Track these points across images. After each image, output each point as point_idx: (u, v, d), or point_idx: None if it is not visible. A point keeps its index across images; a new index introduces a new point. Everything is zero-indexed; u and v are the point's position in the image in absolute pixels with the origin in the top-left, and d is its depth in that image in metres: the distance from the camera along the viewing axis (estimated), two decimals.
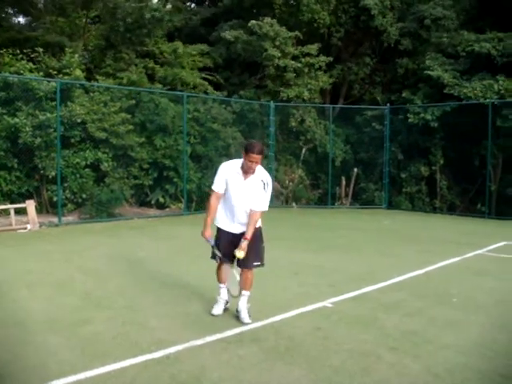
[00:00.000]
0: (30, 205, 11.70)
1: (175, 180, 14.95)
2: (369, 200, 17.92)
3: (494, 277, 7.66)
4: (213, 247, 5.36)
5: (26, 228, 11.42)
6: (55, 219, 12.44)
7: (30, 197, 12.45)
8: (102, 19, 19.10)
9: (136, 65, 17.39)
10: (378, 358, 4.43)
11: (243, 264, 5.26)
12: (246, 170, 5.17)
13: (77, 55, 14.44)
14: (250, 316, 5.30)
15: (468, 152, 15.90)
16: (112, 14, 17.34)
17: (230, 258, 5.26)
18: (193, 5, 25.91)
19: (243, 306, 5.35)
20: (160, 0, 18.24)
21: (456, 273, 7.93)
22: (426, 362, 4.35)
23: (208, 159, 15.65)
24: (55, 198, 12.58)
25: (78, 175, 12.93)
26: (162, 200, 14.95)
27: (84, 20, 19.25)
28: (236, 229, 5.34)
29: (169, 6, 20.41)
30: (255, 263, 5.32)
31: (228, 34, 18.26)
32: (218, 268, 5.51)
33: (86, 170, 13.08)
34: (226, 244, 5.34)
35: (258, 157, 5.06)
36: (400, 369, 4.21)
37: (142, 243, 10.24)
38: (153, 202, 15.03)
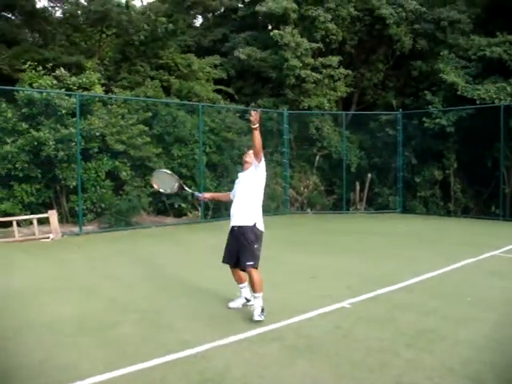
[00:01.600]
0: (53, 215, 12.01)
1: (192, 188, 15.19)
2: (383, 205, 18.06)
3: (507, 277, 7.78)
4: (189, 190, 6.59)
5: (48, 237, 11.73)
6: (76, 228, 12.78)
7: (50, 207, 12.75)
8: (116, 33, 19.48)
9: (151, 77, 17.73)
10: (396, 354, 4.62)
11: (239, 264, 5.67)
12: (243, 163, 5.96)
13: (96, 74, 14.77)
14: (261, 314, 5.51)
15: (481, 155, 15.99)
16: (126, 28, 17.70)
17: (234, 258, 5.72)
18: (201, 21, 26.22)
19: (256, 304, 5.59)
20: (171, 18, 18.54)
21: (470, 273, 8.07)
22: (441, 357, 4.53)
23: (223, 168, 15.93)
24: (76, 208, 12.91)
25: (97, 186, 13.28)
26: (183, 205, 15.16)
27: (99, 35, 19.65)
28: (233, 222, 5.77)
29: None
30: (248, 263, 5.56)
31: (241, 53, 18.56)
32: (232, 272, 5.92)
33: (106, 181, 13.42)
34: (231, 243, 5.81)
35: (249, 152, 5.89)
36: (416, 364, 4.40)
37: (162, 250, 10.51)
38: (171, 209, 15.26)
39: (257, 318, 5.48)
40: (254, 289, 5.60)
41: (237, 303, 6.03)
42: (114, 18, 17.75)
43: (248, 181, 5.79)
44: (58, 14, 20.74)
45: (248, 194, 5.75)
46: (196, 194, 6.50)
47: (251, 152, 5.79)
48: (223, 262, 5.88)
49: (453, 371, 4.24)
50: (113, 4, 17.72)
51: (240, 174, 5.99)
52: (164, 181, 6.40)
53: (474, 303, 6.27)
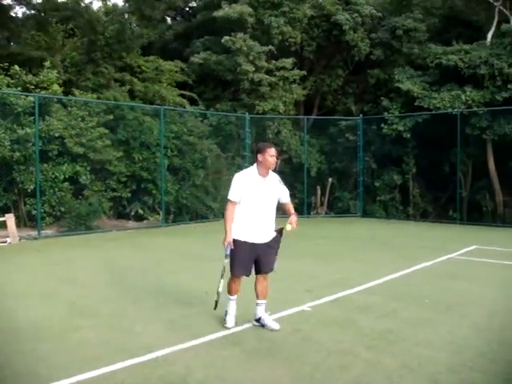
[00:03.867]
0: (10, 218, 11.76)
1: (153, 192, 15.12)
2: (344, 209, 18.27)
3: (464, 279, 7.99)
4: (226, 256, 5.27)
5: (5, 241, 11.48)
6: (34, 232, 12.52)
7: (8, 211, 12.47)
8: (80, 33, 19.21)
9: (115, 80, 17.56)
10: (356, 355, 4.67)
11: (264, 269, 5.38)
12: (269, 166, 5.32)
13: (55, 71, 14.52)
14: (273, 322, 5.44)
15: (439, 160, 16.40)
16: (91, 28, 17.50)
17: (249, 269, 5.36)
18: (168, 19, 26.11)
19: (264, 313, 5.47)
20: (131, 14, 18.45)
21: (428, 276, 8.23)
22: (401, 358, 4.60)
23: (185, 171, 15.87)
24: (34, 212, 12.65)
25: (56, 189, 13.02)
26: (141, 211, 15.06)
27: (62, 34, 19.36)
28: (260, 238, 5.30)
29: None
30: (271, 267, 5.40)
31: (197, 58, 18.64)
32: (233, 281, 5.42)
33: (65, 183, 13.18)
34: (247, 256, 5.28)
35: (275, 150, 5.32)
36: (376, 364, 4.46)
37: (123, 255, 10.39)
38: (132, 213, 15.14)
39: (277, 326, 5.38)
40: (263, 295, 5.46)
41: (232, 320, 5.50)
42: (78, 19, 17.54)
43: (274, 192, 5.44)
44: (23, 10, 20.37)
45: (274, 206, 5.48)
46: (227, 253, 5.29)
47: (276, 156, 5.32)
48: (238, 274, 5.36)
49: (412, 371, 4.31)
50: (78, 6, 17.53)
51: (257, 178, 5.33)
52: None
53: (432, 305, 6.40)
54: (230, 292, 5.48)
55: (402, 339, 5.12)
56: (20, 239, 11.88)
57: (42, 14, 18.05)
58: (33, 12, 18.44)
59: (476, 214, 16.08)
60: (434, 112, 16.00)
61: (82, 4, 18.06)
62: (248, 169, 5.52)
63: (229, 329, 5.39)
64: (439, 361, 4.55)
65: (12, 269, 8.89)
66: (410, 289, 7.32)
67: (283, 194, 5.53)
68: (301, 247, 11.32)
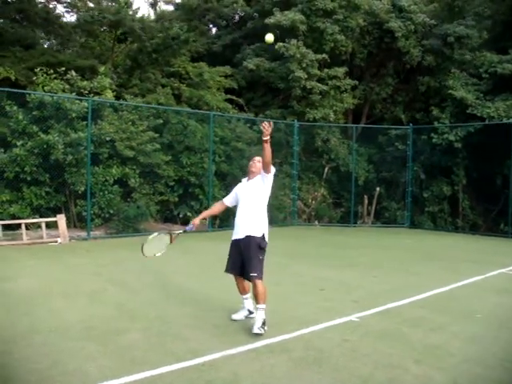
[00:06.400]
0: (61, 219, 12.04)
1: (200, 197, 15.23)
2: (391, 219, 18.01)
3: None
4: (180, 233, 5.98)
5: (56, 241, 11.75)
6: (83, 233, 12.78)
7: (58, 211, 12.77)
8: (129, 39, 19.61)
9: (162, 85, 17.81)
10: (405, 369, 4.57)
11: (246, 274, 5.62)
12: (251, 170, 5.87)
13: (108, 79, 14.85)
14: (261, 327, 5.39)
15: (490, 172, 15.96)
16: (139, 35, 17.83)
17: (236, 268, 5.72)
18: (214, 29, 26.37)
19: (258, 316, 5.47)
20: (182, 26, 18.66)
21: (479, 291, 8.02)
22: (451, 374, 4.49)
23: (232, 177, 15.92)
24: (84, 213, 12.93)
25: (106, 191, 13.27)
26: (188, 214, 15.16)
27: (112, 40, 19.79)
28: (240, 233, 5.68)
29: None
30: (253, 274, 5.47)
31: (249, 63, 18.71)
32: (236, 282, 5.86)
33: (114, 186, 13.43)
34: (234, 254, 5.75)
35: (256, 158, 5.90)
36: (426, 380, 4.36)
37: (169, 258, 10.39)
38: (180, 215, 15.27)
39: (256, 330, 5.37)
40: (257, 300, 5.49)
41: (240, 315, 5.96)
42: (127, 25, 17.90)
43: (255, 190, 5.75)
44: (73, 19, 20.99)
45: (256, 203, 5.71)
46: (187, 228, 6.05)
47: (257, 161, 5.79)
48: (226, 271, 5.83)
49: None
50: (126, 12, 17.88)
51: (243, 183, 5.96)
52: (153, 246, 6.03)
53: (484, 320, 6.22)
54: (240, 292, 5.94)
55: (451, 354, 4.99)
56: (70, 239, 12.14)
57: (93, 22, 18.47)
58: (82, 20, 18.89)
59: None
60: (487, 122, 15.64)
61: (130, 11, 18.42)
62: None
63: (232, 319, 5.88)
64: (491, 378, 4.42)
65: (62, 268, 9.07)
66: (459, 303, 7.14)
67: (264, 176, 5.74)
68: (347, 257, 11.22)
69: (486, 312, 6.61)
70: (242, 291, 5.88)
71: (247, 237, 5.59)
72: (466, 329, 5.87)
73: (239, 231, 5.71)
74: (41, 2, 20.08)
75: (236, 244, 5.74)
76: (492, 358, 4.92)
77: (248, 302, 5.90)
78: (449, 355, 4.98)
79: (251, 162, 5.91)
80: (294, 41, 17.67)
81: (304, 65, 17.67)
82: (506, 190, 15.61)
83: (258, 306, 5.48)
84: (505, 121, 15.33)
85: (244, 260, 5.58)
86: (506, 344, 5.37)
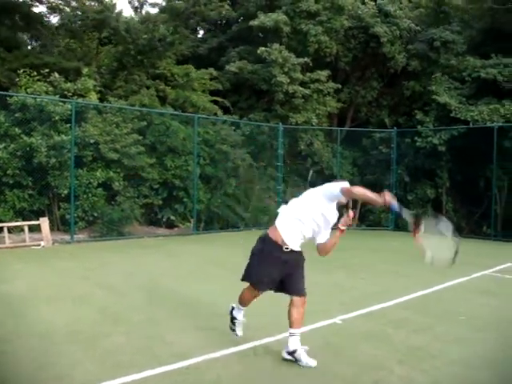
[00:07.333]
0: (44, 222, 11.94)
1: (185, 200, 15.19)
2: (375, 222, 18.07)
3: (499, 296, 7.81)
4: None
5: (39, 245, 11.65)
6: (67, 236, 12.68)
7: (42, 214, 12.65)
8: (113, 41, 19.51)
9: (147, 87, 17.74)
10: (390, 371, 4.58)
11: (289, 290, 4.90)
12: None
13: (92, 81, 14.75)
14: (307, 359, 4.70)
15: (474, 175, 16.07)
16: (124, 36, 17.74)
17: (277, 281, 4.87)
18: (201, 32, 26.37)
19: (298, 347, 4.74)
20: (168, 27, 18.60)
21: (463, 292, 8.08)
22: (434, 376, 4.50)
23: (217, 180, 15.91)
24: (67, 216, 12.83)
25: (89, 194, 13.17)
26: (172, 218, 15.13)
27: (96, 42, 19.68)
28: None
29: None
30: (305, 289, 4.96)
31: (232, 67, 18.77)
32: (252, 296, 4.93)
33: (98, 189, 13.33)
34: (275, 264, 4.89)
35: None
36: (409, 381, 4.37)
37: (153, 261, 10.44)
38: (164, 219, 15.22)
39: (313, 363, 4.67)
40: (298, 323, 4.77)
41: (241, 329, 5.16)
42: (111, 26, 17.80)
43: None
44: (56, 20, 20.79)
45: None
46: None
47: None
48: (261, 288, 4.84)
49: None
50: (110, 11, 17.80)
51: None
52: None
53: (468, 322, 6.26)
54: (240, 302, 5.12)
55: (434, 356, 5.00)
56: (53, 243, 12.04)
57: (76, 22, 18.36)
58: (65, 21, 18.77)
59: (511, 230, 15.73)
60: (470, 126, 15.77)
61: (113, 14, 18.32)
62: None
63: (238, 336, 5.11)
64: (474, 379, 4.45)
65: (45, 272, 8.99)
66: (444, 304, 7.19)
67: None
68: (333, 259, 11.17)
69: (469, 313, 6.64)
70: (247, 304, 5.04)
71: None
72: (449, 330, 5.90)
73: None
74: (24, 2, 19.87)
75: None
76: (475, 360, 4.95)
77: (242, 314, 5.12)
78: (431, 357, 5.00)
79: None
80: (276, 45, 17.71)
81: (286, 69, 17.70)
82: (489, 193, 15.74)
83: (298, 330, 4.79)
84: (488, 124, 15.46)
85: (291, 274, 4.95)
86: (489, 345, 5.40)
